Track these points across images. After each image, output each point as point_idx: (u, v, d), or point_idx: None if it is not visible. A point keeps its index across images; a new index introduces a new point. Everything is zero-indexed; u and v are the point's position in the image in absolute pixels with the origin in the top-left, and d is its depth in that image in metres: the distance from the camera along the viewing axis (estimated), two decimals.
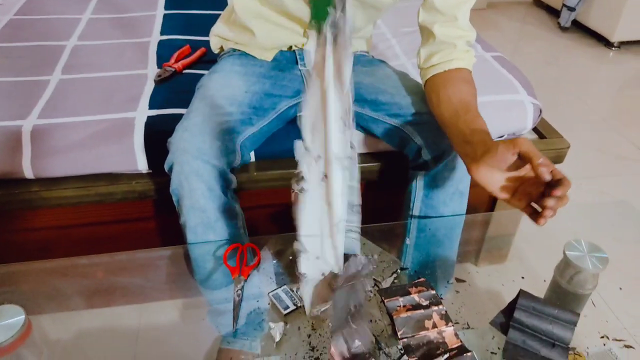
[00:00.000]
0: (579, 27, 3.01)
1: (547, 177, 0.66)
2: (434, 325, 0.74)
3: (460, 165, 0.91)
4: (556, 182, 0.66)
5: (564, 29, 3.03)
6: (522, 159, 0.70)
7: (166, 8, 1.56)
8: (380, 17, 1.07)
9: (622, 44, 2.82)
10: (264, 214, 1.14)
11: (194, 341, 0.79)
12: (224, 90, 0.92)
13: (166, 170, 0.85)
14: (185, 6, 1.57)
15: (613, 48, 2.82)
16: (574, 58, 2.76)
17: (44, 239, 1.10)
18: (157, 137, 1.00)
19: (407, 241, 0.96)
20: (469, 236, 1.02)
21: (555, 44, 2.92)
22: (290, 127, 1.05)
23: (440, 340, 0.72)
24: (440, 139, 0.90)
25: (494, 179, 0.73)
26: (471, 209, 0.99)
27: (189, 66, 1.23)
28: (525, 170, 0.72)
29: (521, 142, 0.69)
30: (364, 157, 1.10)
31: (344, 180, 0.63)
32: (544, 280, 0.83)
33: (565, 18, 2.97)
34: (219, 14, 1.47)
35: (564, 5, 2.95)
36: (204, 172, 0.81)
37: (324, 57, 0.56)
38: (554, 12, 3.18)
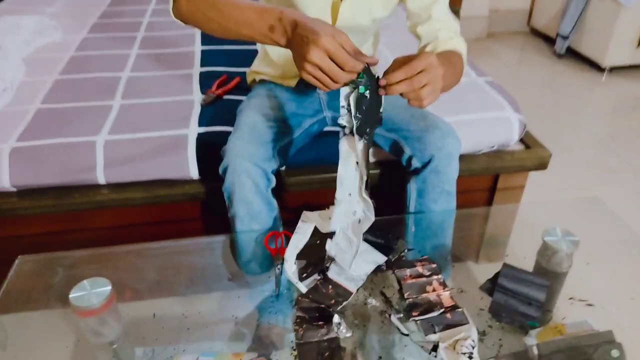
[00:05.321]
0: (573, 54, 3.23)
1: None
2: (434, 290, 0.94)
3: (445, 169, 1.10)
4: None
5: (559, 56, 3.25)
6: None
7: (202, 44, 1.81)
8: (370, 40, 1.25)
9: (613, 68, 3.03)
10: (292, 211, 1.35)
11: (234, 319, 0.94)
12: (261, 111, 1.14)
13: (220, 173, 1.06)
14: (219, 42, 1.82)
15: (605, 73, 3.04)
16: (569, 82, 2.97)
17: (109, 236, 1.31)
18: (207, 149, 1.22)
19: (412, 229, 1.16)
20: (468, 234, 1.19)
21: (551, 70, 3.14)
22: (314, 141, 1.26)
23: (438, 301, 0.91)
24: (425, 149, 1.10)
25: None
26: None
27: (228, 92, 1.46)
28: None
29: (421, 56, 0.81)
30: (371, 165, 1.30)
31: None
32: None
33: (560, 46, 3.20)
34: (248, 49, 1.72)
35: (558, 34, 3.19)
36: (252, 171, 1.01)
37: None
38: (550, 41, 3.40)
